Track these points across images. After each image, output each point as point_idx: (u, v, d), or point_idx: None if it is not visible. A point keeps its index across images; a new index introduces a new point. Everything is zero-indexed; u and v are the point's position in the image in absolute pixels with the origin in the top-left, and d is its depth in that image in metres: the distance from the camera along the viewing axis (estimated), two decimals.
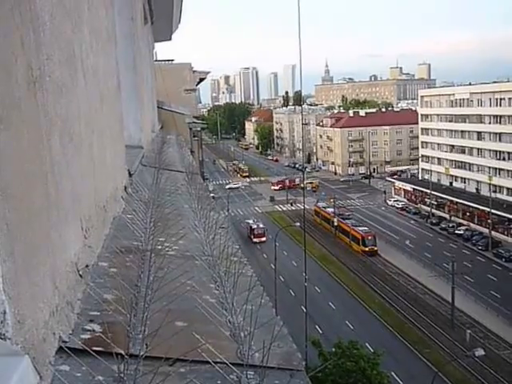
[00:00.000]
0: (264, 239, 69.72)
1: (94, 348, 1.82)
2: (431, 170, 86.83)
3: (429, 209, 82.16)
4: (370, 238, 66.88)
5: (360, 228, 69.76)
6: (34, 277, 1.73)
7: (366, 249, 65.93)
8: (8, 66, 1.59)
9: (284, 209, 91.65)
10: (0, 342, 1.43)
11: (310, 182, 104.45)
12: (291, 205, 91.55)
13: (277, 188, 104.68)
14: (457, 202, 79.68)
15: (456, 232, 72.94)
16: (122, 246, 3.09)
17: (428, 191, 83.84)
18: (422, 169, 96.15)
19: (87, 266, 2.54)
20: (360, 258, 65.11)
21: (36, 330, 1.65)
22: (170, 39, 19.45)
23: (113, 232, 3.36)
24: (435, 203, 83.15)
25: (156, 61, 19.31)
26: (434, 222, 78.82)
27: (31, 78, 1.82)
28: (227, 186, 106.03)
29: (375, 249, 66.22)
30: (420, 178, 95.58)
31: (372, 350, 34.95)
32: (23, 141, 1.71)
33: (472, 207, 75.46)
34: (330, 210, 78.38)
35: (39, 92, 1.91)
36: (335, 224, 73.84)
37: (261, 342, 1.97)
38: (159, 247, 2.98)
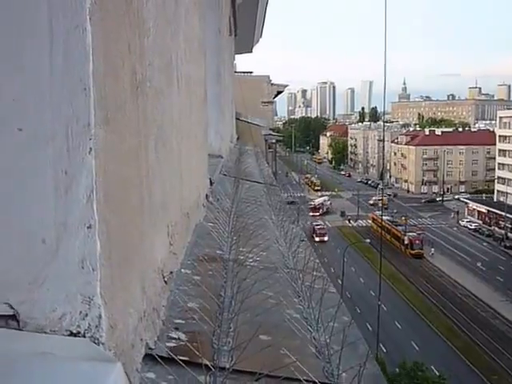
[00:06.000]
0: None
1: (180, 357, 1.79)
2: (507, 193, 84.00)
3: (503, 232, 79.49)
4: (417, 242, 73.55)
5: (410, 233, 75.66)
6: (126, 281, 1.73)
7: (413, 252, 72.37)
8: (116, 70, 1.60)
9: (354, 224, 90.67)
10: (94, 347, 1.43)
11: (380, 199, 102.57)
12: (348, 221, 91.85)
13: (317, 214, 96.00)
14: None
15: None
16: (205, 253, 3.08)
17: (503, 213, 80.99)
18: (498, 191, 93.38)
19: (171, 272, 2.53)
20: (409, 260, 69.88)
21: (126, 336, 1.64)
22: (251, 51, 19.72)
23: (195, 239, 3.37)
24: (510, 226, 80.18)
25: (235, 72, 19.61)
26: (507, 245, 76.47)
27: (135, 82, 1.84)
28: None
29: (421, 252, 72.40)
30: (495, 200, 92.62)
31: (437, 373, 33.60)
32: (125, 144, 1.72)
33: None
34: (385, 218, 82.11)
35: (140, 97, 1.93)
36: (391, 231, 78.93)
37: (344, 361, 1.89)
38: (241, 257, 2.95)
